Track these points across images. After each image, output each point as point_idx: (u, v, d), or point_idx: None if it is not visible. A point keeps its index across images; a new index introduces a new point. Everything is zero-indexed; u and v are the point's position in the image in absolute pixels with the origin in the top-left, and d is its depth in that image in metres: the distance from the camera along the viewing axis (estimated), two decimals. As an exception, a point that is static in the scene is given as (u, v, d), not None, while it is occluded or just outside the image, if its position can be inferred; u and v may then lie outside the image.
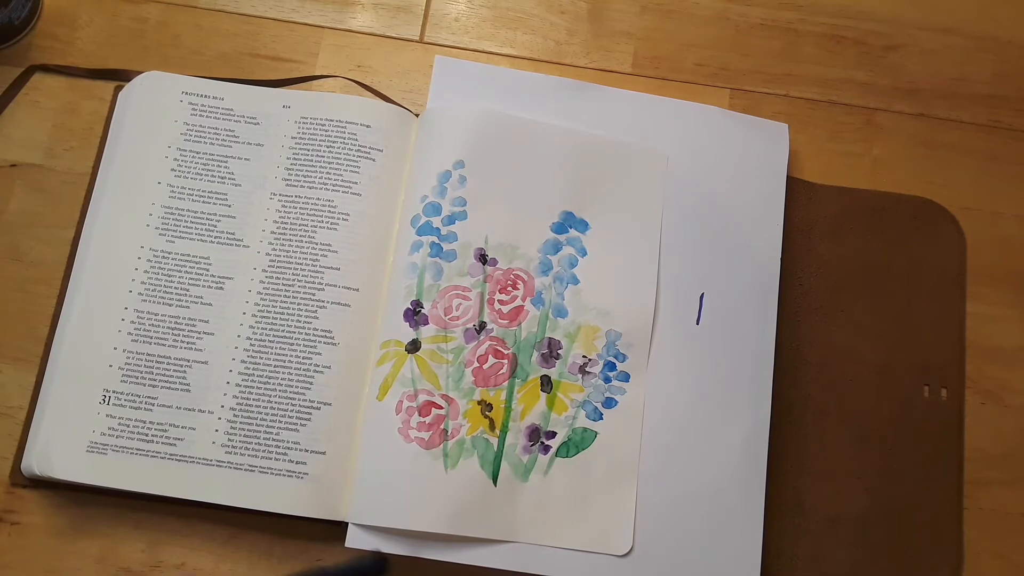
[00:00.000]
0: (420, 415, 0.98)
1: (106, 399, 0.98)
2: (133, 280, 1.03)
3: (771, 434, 1.03)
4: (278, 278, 1.03)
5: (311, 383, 0.99)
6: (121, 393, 0.99)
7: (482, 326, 1.01)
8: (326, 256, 1.03)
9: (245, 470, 0.97)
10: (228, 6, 1.16)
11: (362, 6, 1.17)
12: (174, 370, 1.00)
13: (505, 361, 1.01)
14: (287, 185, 1.06)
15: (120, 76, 1.12)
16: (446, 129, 1.07)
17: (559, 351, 1.02)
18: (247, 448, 0.98)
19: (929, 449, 1.07)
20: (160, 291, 1.02)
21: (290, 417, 0.98)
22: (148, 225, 1.05)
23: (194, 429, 0.98)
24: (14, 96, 1.11)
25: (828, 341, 1.09)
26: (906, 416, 1.08)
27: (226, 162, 1.07)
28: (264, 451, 0.97)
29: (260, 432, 0.98)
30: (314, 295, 1.02)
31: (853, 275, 1.11)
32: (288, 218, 1.05)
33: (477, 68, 1.14)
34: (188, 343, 1.01)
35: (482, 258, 1.03)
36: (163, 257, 1.04)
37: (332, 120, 1.09)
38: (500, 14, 1.18)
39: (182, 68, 1.12)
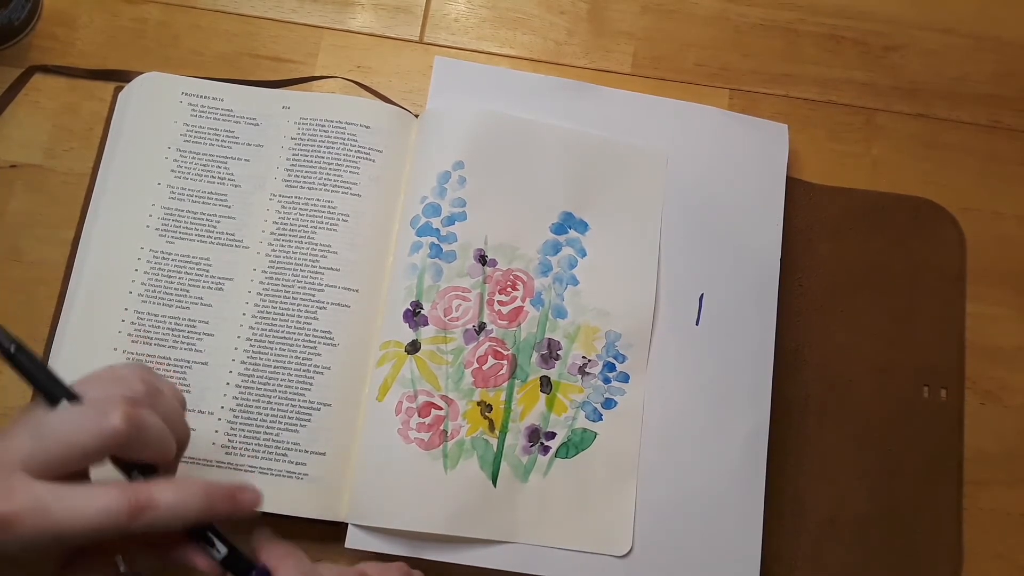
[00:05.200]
0: (420, 416, 0.98)
1: None
2: (133, 281, 1.03)
3: (771, 434, 1.03)
4: (278, 279, 1.03)
5: (311, 384, 0.99)
6: None
7: (482, 327, 1.01)
8: (326, 257, 1.03)
9: (245, 471, 0.97)
10: (228, 6, 1.16)
11: (362, 6, 1.17)
12: (174, 371, 1.00)
13: (505, 362, 1.01)
14: (287, 186, 1.06)
15: (120, 76, 1.12)
16: (446, 130, 1.07)
17: (559, 352, 1.02)
18: (247, 449, 0.98)
19: (929, 449, 1.07)
20: (160, 292, 1.02)
21: (290, 418, 0.98)
22: (148, 226, 1.05)
23: (194, 430, 0.96)
24: (14, 96, 1.11)
25: (828, 341, 1.09)
26: (906, 416, 1.08)
27: (226, 163, 1.07)
28: (264, 452, 0.98)
29: (260, 433, 0.98)
30: (314, 296, 1.02)
31: (853, 275, 1.11)
32: (288, 219, 1.05)
33: (477, 68, 1.14)
34: (188, 344, 1.01)
35: (482, 259, 1.03)
36: (163, 258, 1.04)
37: (332, 121, 1.09)
38: (500, 14, 1.18)
39: (182, 68, 1.12)
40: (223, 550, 0.77)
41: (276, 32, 1.15)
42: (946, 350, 1.10)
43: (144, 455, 0.76)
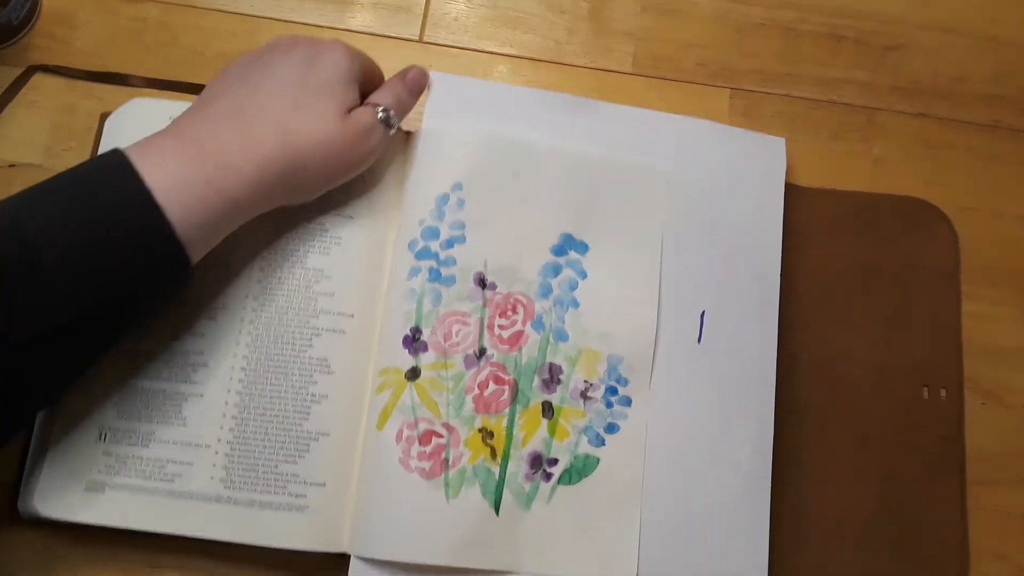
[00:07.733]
0: (420, 444, 0.97)
1: (102, 436, 0.97)
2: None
3: (772, 441, 1.03)
4: (270, 305, 1.01)
5: (308, 413, 0.98)
6: (118, 429, 0.98)
7: (482, 352, 1.01)
8: (319, 282, 1.02)
9: (244, 505, 0.96)
10: (228, 6, 1.16)
11: (362, 6, 1.17)
12: (170, 404, 0.98)
13: (506, 387, 1.00)
14: (276, 209, 1.04)
15: (119, 79, 1.12)
16: (444, 150, 1.06)
17: (560, 376, 1.02)
18: (246, 482, 0.97)
19: (930, 451, 1.07)
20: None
21: (288, 449, 0.97)
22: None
23: (191, 464, 0.96)
24: (13, 96, 1.11)
25: (825, 344, 1.09)
26: (906, 418, 1.08)
27: (211, 189, 1.06)
28: (263, 484, 0.97)
29: (259, 465, 0.97)
30: (308, 322, 1.01)
31: (849, 277, 1.11)
32: (278, 243, 1.03)
33: (474, 84, 1.13)
34: (182, 376, 0.99)
35: (481, 282, 1.02)
36: (151, 288, 1.03)
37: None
38: (500, 14, 1.18)
39: (182, 68, 1.12)
40: None
41: (276, 31, 1.15)
42: (944, 350, 1.11)
43: None
